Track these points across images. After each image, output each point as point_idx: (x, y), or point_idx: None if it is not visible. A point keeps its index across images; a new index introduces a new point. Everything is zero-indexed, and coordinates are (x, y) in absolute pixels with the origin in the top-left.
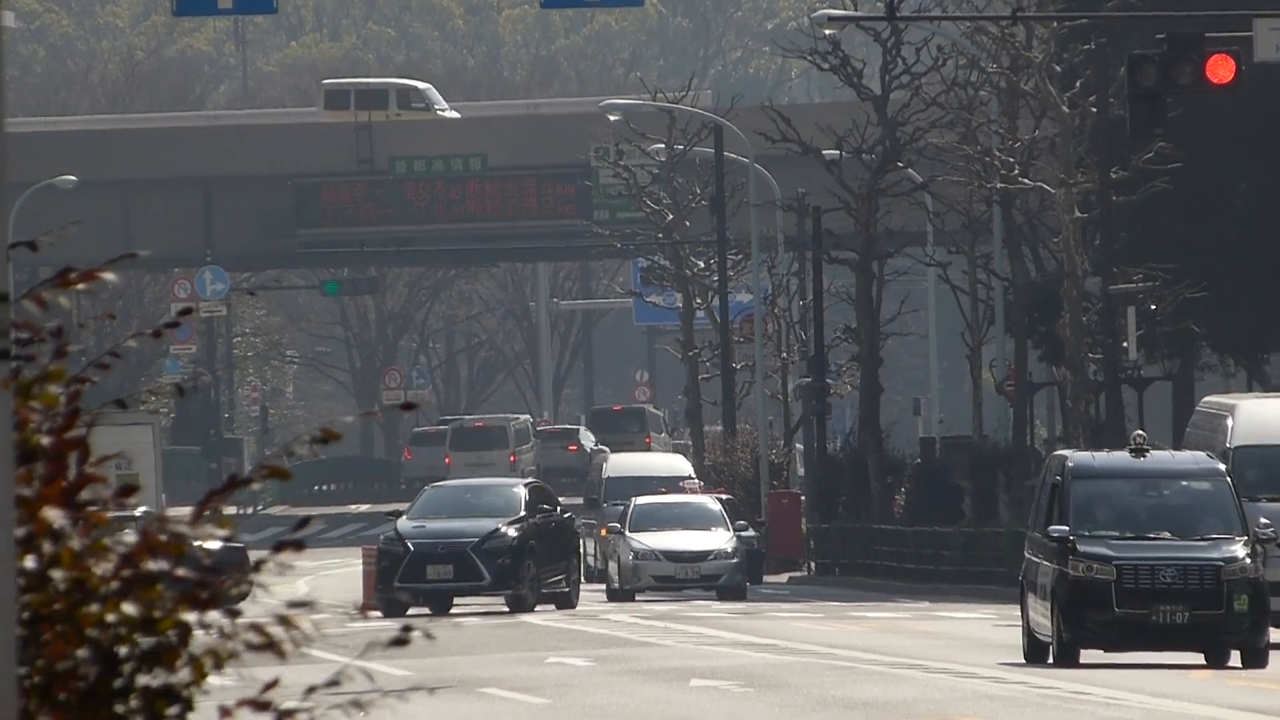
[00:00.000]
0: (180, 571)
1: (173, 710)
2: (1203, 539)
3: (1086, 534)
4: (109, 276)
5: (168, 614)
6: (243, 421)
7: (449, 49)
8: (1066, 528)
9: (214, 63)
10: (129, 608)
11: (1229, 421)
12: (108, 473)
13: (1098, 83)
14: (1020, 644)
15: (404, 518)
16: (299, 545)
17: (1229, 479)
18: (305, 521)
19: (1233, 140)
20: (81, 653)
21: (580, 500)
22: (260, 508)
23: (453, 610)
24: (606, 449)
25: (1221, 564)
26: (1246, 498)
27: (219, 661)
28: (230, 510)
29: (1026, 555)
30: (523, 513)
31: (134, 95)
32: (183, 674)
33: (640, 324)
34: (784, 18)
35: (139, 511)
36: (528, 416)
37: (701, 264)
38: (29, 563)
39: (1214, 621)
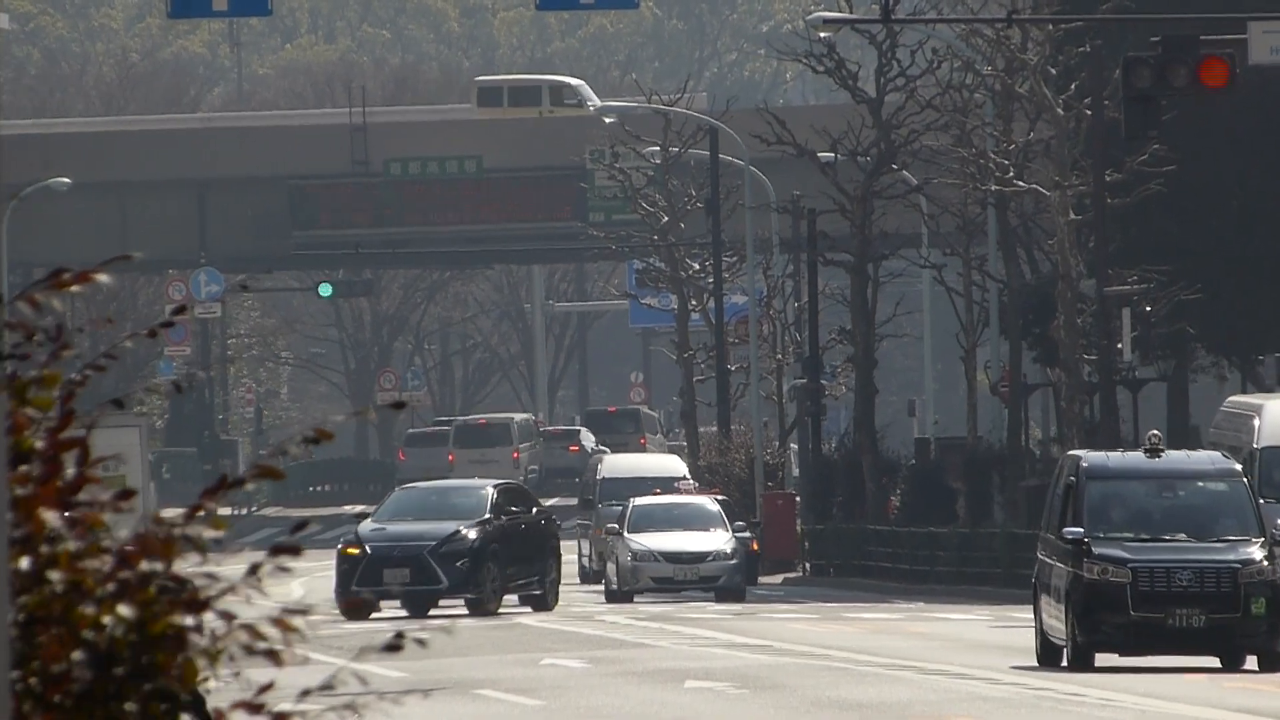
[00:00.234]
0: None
1: (166, 710)
2: (1219, 541)
3: (1101, 536)
4: (103, 278)
5: (163, 616)
6: (237, 423)
7: (444, 51)
8: (1081, 529)
9: (209, 65)
10: (124, 610)
11: (1256, 422)
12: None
13: (1092, 85)
14: (1029, 646)
15: (368, 520)
16: (296, 549)
17: (1245, 480)
18: (303, 524)
19: (1227, 142)
20: (76, 655)
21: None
22: (255, 509)
23: (432, 613)
24: (607, 449)
25: (1238, 566)
26: (1275, 499)
27: (213, 664)
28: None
29: (1039, 557)
30: (487, 515)
31: (129, 97)
32: (177, 677)
33: (635, 326)
34: (779, 20)
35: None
36: (530, 415)
37: (696, 266)
38: (25, 564)
39: (1231, 625)
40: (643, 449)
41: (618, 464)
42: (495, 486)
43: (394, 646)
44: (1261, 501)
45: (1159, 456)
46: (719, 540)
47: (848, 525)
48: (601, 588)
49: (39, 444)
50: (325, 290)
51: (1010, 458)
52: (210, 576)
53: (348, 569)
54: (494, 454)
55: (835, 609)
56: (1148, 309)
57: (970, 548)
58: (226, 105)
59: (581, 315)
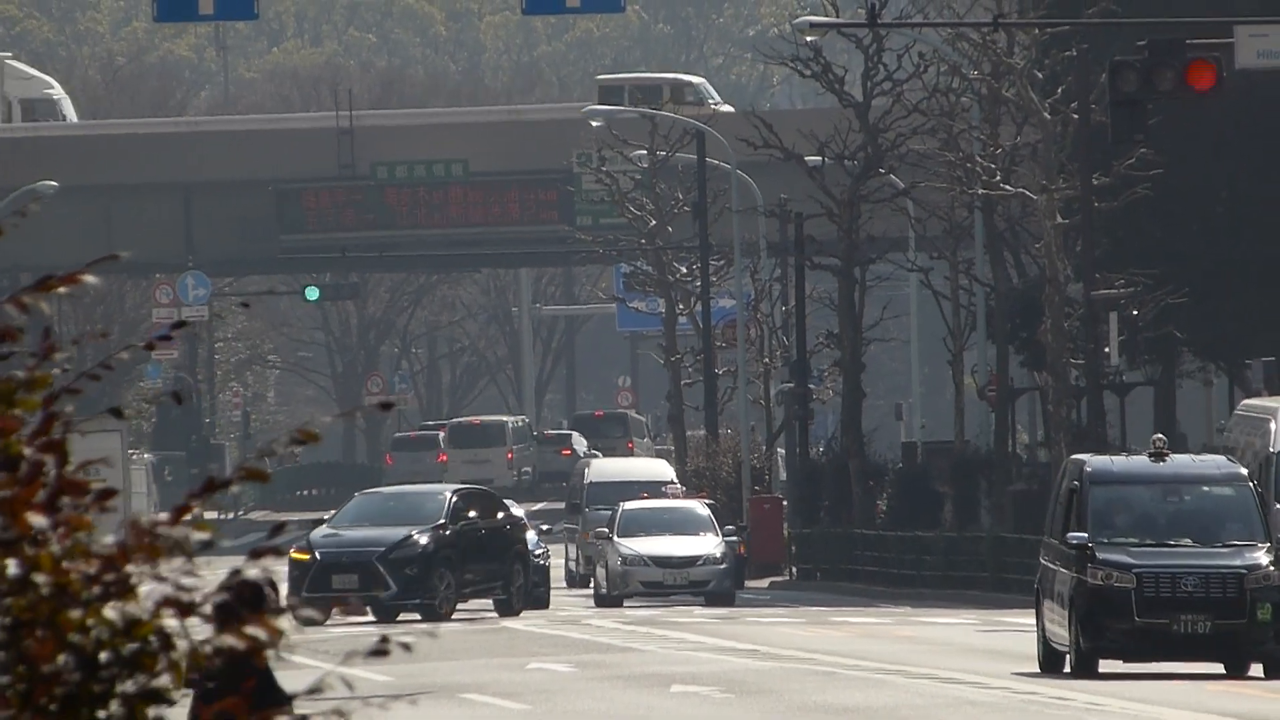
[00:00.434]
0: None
1: (154, 714)
2: (1225, 546)
3: (1105, 541)
4: (90, 279)
5: (149, 619)
6: (225, 427)
7: (430, 55)
8: (1085, 534)
9: (195, 68)
10: (110, 612)
11: (1272, 425)
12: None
13: (1079, 89)
14: (1016, 650)
15: (324, 525)
16: (278, 551)
17: (1251, 484)
18: (280, 527)
19: (1214, 147)
20: (63, 658)
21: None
22: (242, 513)
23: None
24: (599, 453)
25: (1244, 572)
26: None
27: (200, 666)
28: (211, 515)
29: (1041, 562)
30: (442, 520)
31: (115, 101)
32: (163, 679)
33: (622, 329)
34: (765, 24)
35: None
36: (524, 416)
37: (684, 269)
38: (11, 567)
39: (1237, 631)
40: (630, 453)
41: (605, 468)
42: (455, 492)
43: (380, 651)
44: (1278, 506)
45: (1164, 460)
46: (709, 545)
47: (835, 529)
48: (588, 592)
49: (26, 449)
50: (312, 294)
51: (997, 462)
52: (196, 578)
53: (298, 575)
54: (488, 454)
55: (822, 613)
56: (1135, 313)
57: (957, 552)
58: (213, 109)
59: (569, 319)
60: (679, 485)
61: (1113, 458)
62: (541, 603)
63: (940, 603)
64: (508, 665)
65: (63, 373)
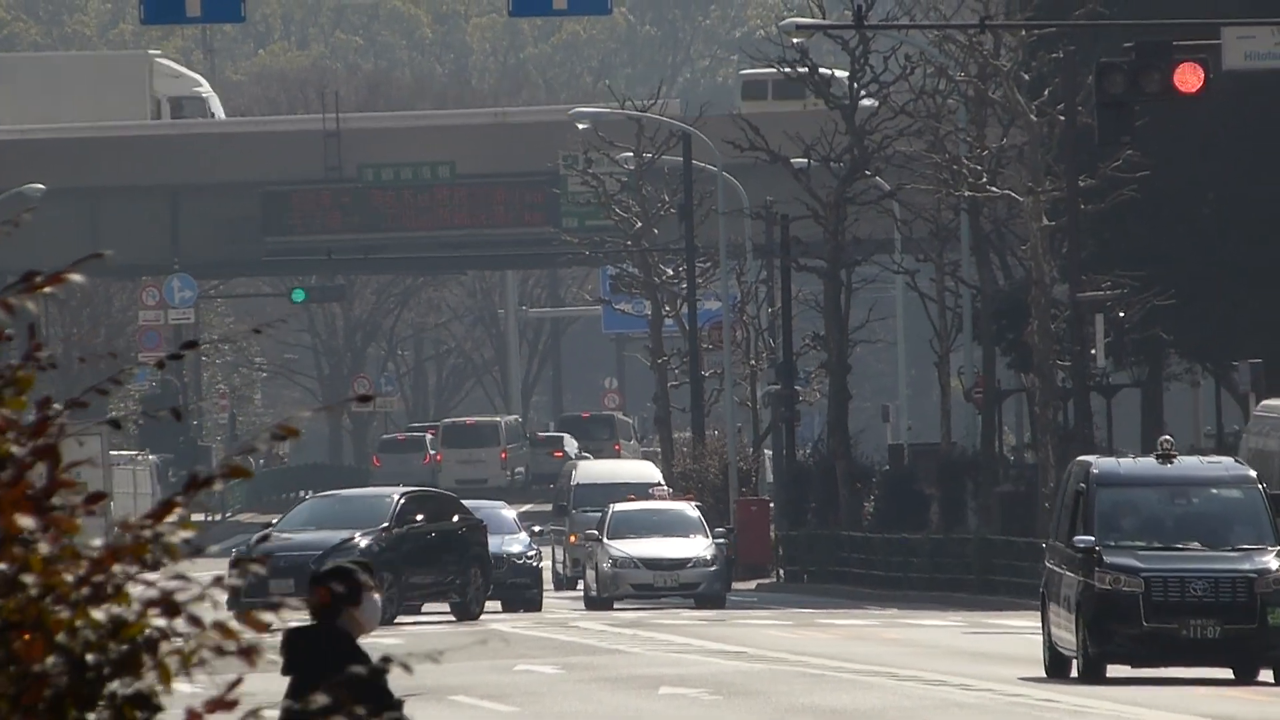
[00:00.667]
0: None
1: (141, 715)
2: (1234, 549)
3: (1113, 544)
4: (76, 279)
5: (137, 620)
6: (211, 429)
7: (417, 57)
8: (1092, 538)
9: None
10: (98, 614)
11: None
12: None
13: (1066, 91)
14: (1003, 652)
15: (270, 529)
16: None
17: (1261, 486)
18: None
19: (1201, 148)
20: (51, 659)
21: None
22: (229, 514)
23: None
24: (590, 455)
25: (1254, 576)
26: None
27: (187, 666)
28: (199, 517)
29: (1047, 565)
30: (386, 523)
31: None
32: (151, 679)
33: (609, 331)
34: (752, 26)
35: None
36: (518, 417)
37: (670, 271)
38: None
39: (1246, 636)
40: (617, 455)
41: (592, 470)
42: (404, 495)
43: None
44: None
45: (1171, 462)
46: (699, 547)
47: (822, 531)
48: (576, 594)
49: (15, 450)
50: (298, 296)
51: (984, 464)
52: (183, 579)
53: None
54: (481, 454)
55: (809, 615)
56: (1121, 315)
57: (944, 554)
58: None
59: (555, 321)
60: (666, 487)
61: (1119, 459)
62: (534, 605)
63: (927, 604)
64: (495, 667)
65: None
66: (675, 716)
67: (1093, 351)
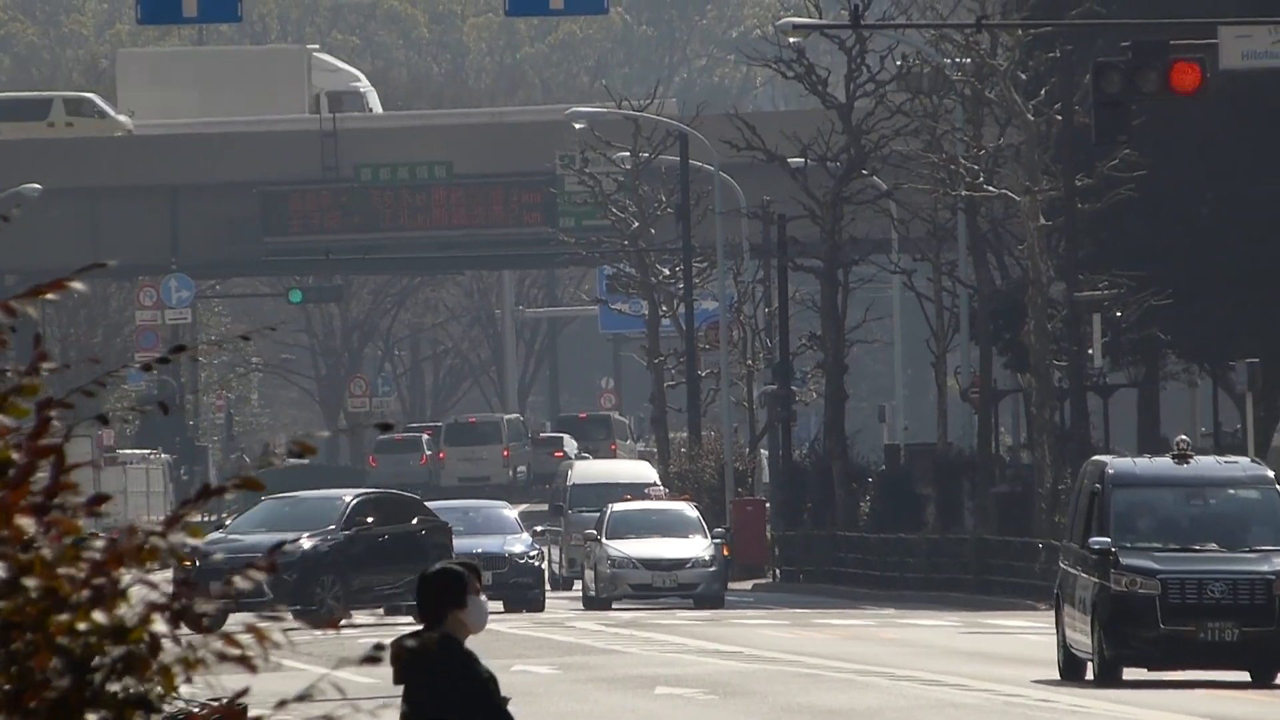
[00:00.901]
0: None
1: (141, 718)
2: (1251, 550)
3: (1129, 546)
4: (78, 286)
5: (139, 623)
6: (207, 429)
7: (413, 57)
8: (1108, 539)
9: None
10: (100, 616)
11: None
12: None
13: (1062, 90)
14: (999, 652)
15: (219, 530)
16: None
17: (1278, 486)
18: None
19: (1198, 147)
20: (52, 662)
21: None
22: (225, 516)
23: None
24: (589, 455)
25: (1273, 578)
26: None
27: (189, 671)
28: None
29: (1061, 567)
30: (332, 525)
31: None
32: (153, 684)
33: (605, 331)
34: (748, 25)
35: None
36: (519, 416)
37: (667, 271)
38: None
39: (1265, 639)
40: (613, 455)
41: (588, 470)
42: (357, 496)
43: (373, 659)
44: None
45: (1187, 462)
46: (697, 547)
47: (818, 531)
48: (572, 594)
49: (15, 454)
50: (295, 296)
51: (980, 464)
52: (187, 584)
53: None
54: (483, 452)
55: (805, 615)
56: (1118, 314)
57: (940, 554)
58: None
59: (552, 321)
60: (662, 487)
61: (1135, 460)
62: (537, 605)
63: (923, 605)
64: (492, 667)
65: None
66: (671, 716)
67: (1090, 351)
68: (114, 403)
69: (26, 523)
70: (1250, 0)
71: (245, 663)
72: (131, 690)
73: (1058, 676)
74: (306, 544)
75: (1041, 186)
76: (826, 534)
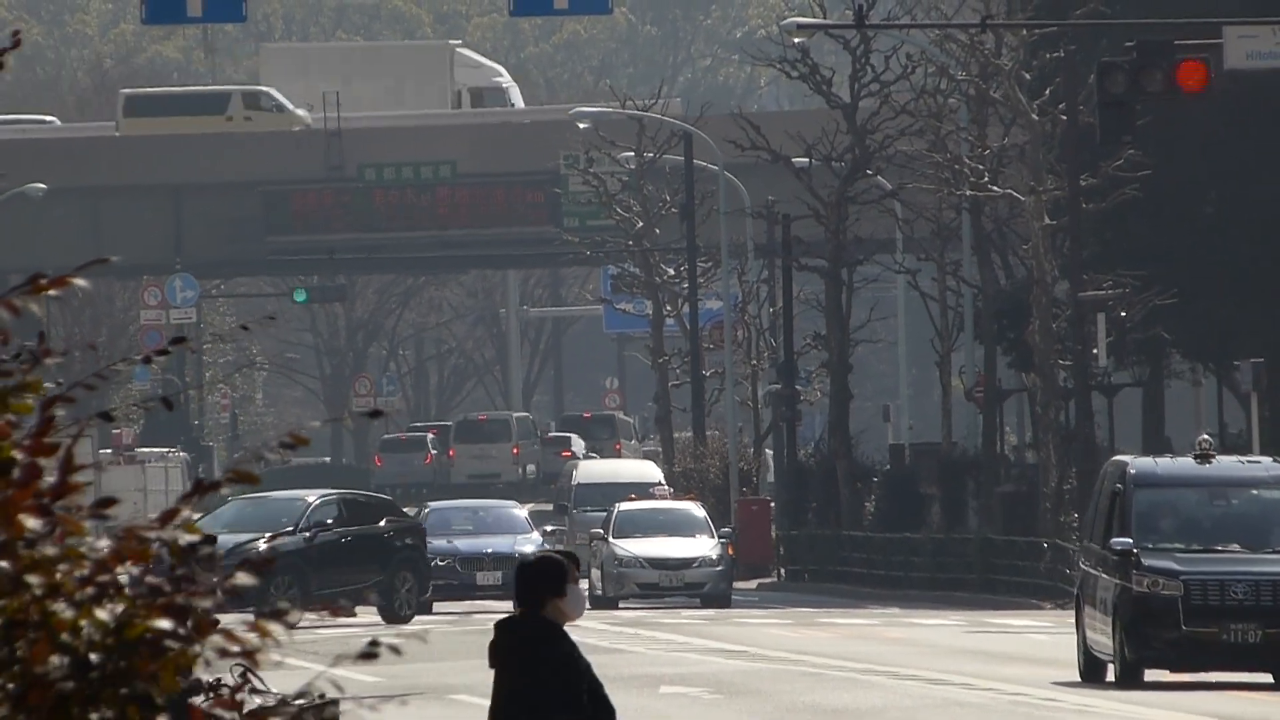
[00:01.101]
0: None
1: (144, 715)
2: (1274, 551)
3: (1150, 546)
4: (81, 283)
5: (140, 620)
6: (212, 428)
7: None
8: (1129, 540)
9: (183, 70)
10: (102, 614)
11: None
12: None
13: (1067, 90)
14: (1003, 651)
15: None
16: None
17: None
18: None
19: (1202, 147)
20: (54, 659)
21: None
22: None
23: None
24: (596, 455)
25: None
26: None
27: (190, 667)
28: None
29: (1082, 567)
30: (291, 527)
31: (103, 103)
32: (154, 681)
33: (610, 331)
34: (753, 25)
35: None
36: (528, 414)
37: (671, 271)
38: (2, 567)
39: None
40: (618, 455)
41: (592, 470)
42: (321, 497)
43: (369, 654)
44: None
45: (1210, 462)
46: (704, 546)
47: (823, 531)
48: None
49: (17, 453)
50: (300, 296)
51: (985, 463)
52: (189, 580)
53: None
54: (493, 450)
55: (810, 614)
56: (1123, 314)
57: (945, 553)
58: None
59: (556, 320)
60: (667, 487)
61: (1156, 459)
62: None
63: (928, 604)
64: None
65: (53, 371)
66: (676, 715)
67: (1094, 351)
68: (118, 401)
69: (31, 522)
70: (1254, 0)
71: (249, 658)
72: (133, 688)
73: (1078, 678)
74: (263, 545)
75: (1046, 186)
76: (831, 533)
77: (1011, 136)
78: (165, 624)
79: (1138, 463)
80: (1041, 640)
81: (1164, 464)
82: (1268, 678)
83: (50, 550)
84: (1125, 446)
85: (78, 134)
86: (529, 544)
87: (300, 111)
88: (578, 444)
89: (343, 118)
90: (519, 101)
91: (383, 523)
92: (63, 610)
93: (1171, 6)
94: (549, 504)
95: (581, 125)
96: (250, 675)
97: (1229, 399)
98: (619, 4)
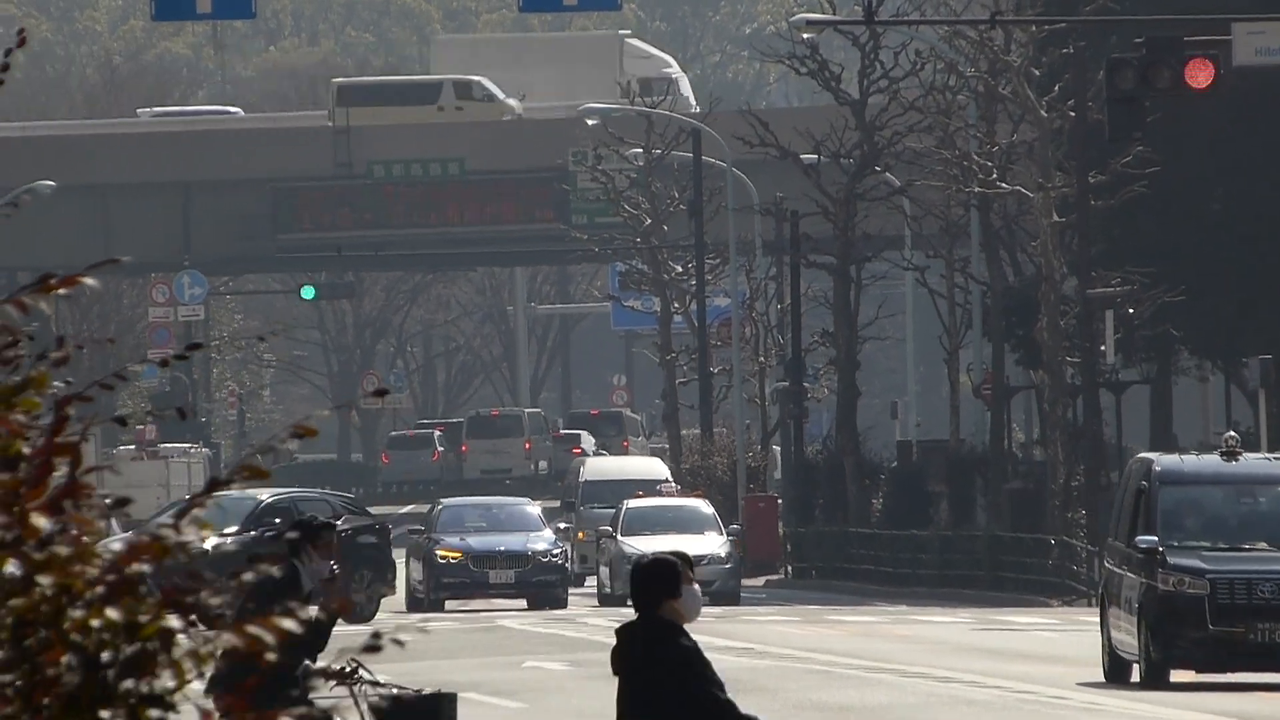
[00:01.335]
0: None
1: (156, 714)
2: None
3: (1176, 545)
4: (90, 282)
5: (152, 619)
6: (220, 425)
7: (427, 53)
8: (1155, 538)
9: (192, 67)
10: (113, 613)
11: None
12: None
13: (1076, 87)
14: (1011, 648)
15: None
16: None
17: None
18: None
19: (1211, 144)
20: (65, 658)
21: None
22: None
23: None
24: (606, 452)
25: None
26: None
27: (201, 666)
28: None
29: (1106, 566)
30: (236, 528)
31: (112, 99)
32: (165, 679)
33: (618, 328)
34: (762, 22)
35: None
36: (540, 410)
37: (679, 268)
38: (13, 567)
39: None
40: (625, 451)
41: (599, 467)
42: (273, 496)
43: (373, 647)
44: None
45: (1236, 460)
46: (713, 543)
47: (830, 528)
48: (584, 591)
49: (26, 450)
50: (308, 293)
51: (993, 460)
52: (198, 578)
53: None
54: (505, 445)
55: (817, 612)
56: (1131, 311)
57: (952, 551)
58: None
59: (564, 317)
60: (674, 484)
61: (1182, 456)
62: (559, 603)
63: (936, 601)
64: (503, 663)
65: (61, 370)
66: None
67: (1102, 348)
68: (127, 400)
69: (42, 521)
70: None
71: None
72: (144, 686)
73: (1101, 678)
74: (208, 545)
75: (1055, 183)
76: (839, 530)
77: (1020, 133)
78: (176, 623)
79: (1163, 460)
80: (1050, 637)
81: (1190, 461)
82: None
83: (62, 550)
84: (1133, 444)
85: (87, 131)
86: (542, 541)
87: (511, 101)
88: (588, 441)
89: (352, 114)
90: (689, 92)
91: (340, 521)
92: (74, 609)
93: (1181, 3)
94: (556, 501)
95: (590, 122)
96: (361, 666)
97: (1237, 396)
98: (627, 0)
